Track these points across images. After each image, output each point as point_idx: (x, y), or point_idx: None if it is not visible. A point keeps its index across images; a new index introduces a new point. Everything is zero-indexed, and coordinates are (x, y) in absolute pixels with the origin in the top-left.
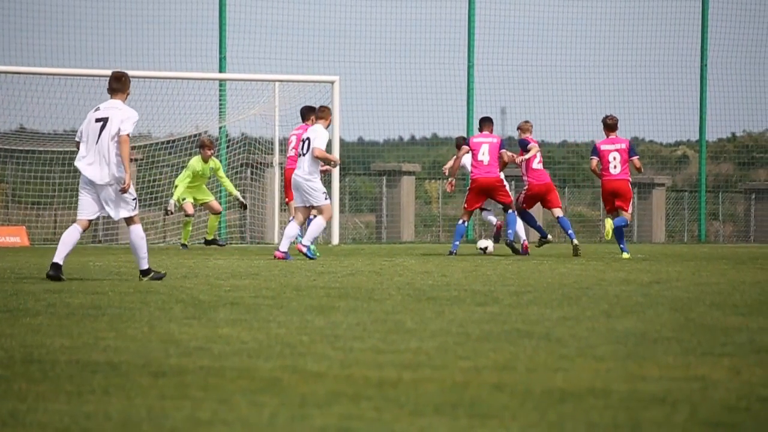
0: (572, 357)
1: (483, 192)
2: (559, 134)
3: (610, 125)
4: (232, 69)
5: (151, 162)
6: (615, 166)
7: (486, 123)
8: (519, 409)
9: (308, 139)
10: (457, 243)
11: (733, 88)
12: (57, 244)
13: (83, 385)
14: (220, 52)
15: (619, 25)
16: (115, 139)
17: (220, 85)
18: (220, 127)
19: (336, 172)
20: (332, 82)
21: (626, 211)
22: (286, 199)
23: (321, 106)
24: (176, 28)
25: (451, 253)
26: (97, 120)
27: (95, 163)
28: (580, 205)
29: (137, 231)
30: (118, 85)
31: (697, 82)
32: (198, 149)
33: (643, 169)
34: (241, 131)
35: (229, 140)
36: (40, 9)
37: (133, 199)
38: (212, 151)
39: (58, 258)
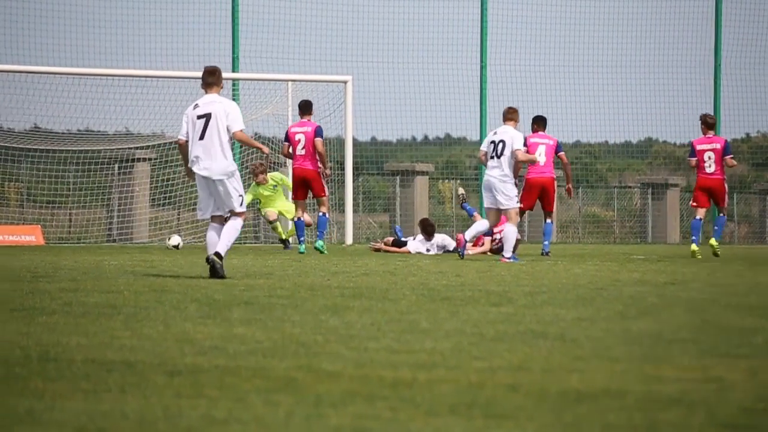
0: (587, 358)
1: (537, 192)
2: (572, 134)
3: (710, 124)
4: (245, 69)
5: (165, 161)
6: (710, 165)
7: (540, 122)
8: (534, 409)
9: (503, 141)
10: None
11: (747, 89)
12: (72, 243)
13: (99, 384)
14: (233, 52)
15: (633, 25)
16: (226, 135)
17: (233, 85)
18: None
19: (349, 172)
20: (345, 82)
21: (723, 207)
22: (294, 197)
23: (510, 108)
24: (189, 27)
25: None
26: (199, 117)
27: (204, 159)
28: (594, 206)
29: (237, 223)
30: (213, 78)
31: (711, 83)
32: (251, 176)
33: (736, 165)
34: (254, 131)
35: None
36: (53, 9)
37: (239, 196)
38: (264, 174)
39: (224, 246)
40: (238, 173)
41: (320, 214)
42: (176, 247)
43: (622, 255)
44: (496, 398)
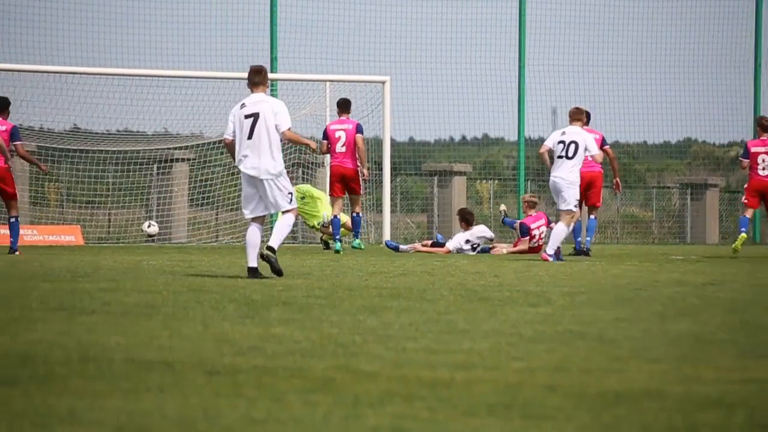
0: (626, 359)
1: (584, 187)
2: (611, 135)
3: (765, 126)
4: (284, 69)
5: (204, 162)
6: (764, 168)
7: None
8: (573, 410)
9: (575, 142)
10: (578, 239)
11: None
12: (111, 243)
13: (139, 384)
14: (272, 53)
15: (673, 24)
16: (274, 134)
17: (272, 86)
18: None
19: (387, 172)
20: (383, 82)
21: None
22: (332, 193)
23: (577, 108)
24: (228, 28)
25: (577, 252)
26: (247, 116)
27: (252, 158)
28: (633, 206)
29: (289, 219)
30: (259, 78)
31: (751, 82)
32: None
33: None
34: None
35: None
36: (92, 9)
37: (289, 193)
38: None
39: (252, 262)
40: (285, 172)
41: (354, 213)
42: (151, 236)
43: (661, 255)
44: (534, 399)
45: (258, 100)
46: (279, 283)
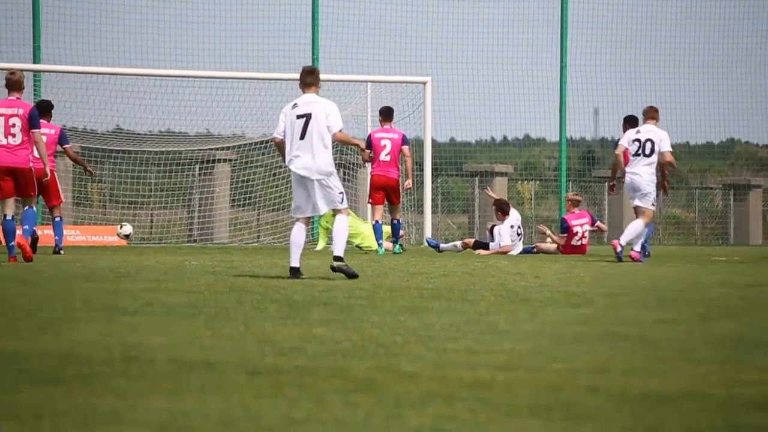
0: (669, 360)
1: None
2: None
3: None
4: (325, 70)
5: (245, 162)
6: None
7: (632, 122)
8: (615, 412)
9: (650, 140)
10: (645, 241)
11: None
12: (154, 243)
13: (181, 383)
14: (313, 53)
15: (714, 24)
16: (326, 134)
17: None
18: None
19: (428, 173)
20: (425, 83)
21: None
22: (370, 201)
23: (651, 107)
24: (269, 29)
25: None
26: (299, 116)
27: (303, 158)
28: (675, 207)
29: (343, 220)
30: (312, 78)
31: None
32: None
33: None
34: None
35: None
36: (135, 11)
37: (340, 193)
38: None
39: (294, 262)
40: (335, 172)
41: (394, 221)
42: (127, 236)
43: (704, 256)
44: (575, 400)
45: (310, 101)
46: (320, 284)
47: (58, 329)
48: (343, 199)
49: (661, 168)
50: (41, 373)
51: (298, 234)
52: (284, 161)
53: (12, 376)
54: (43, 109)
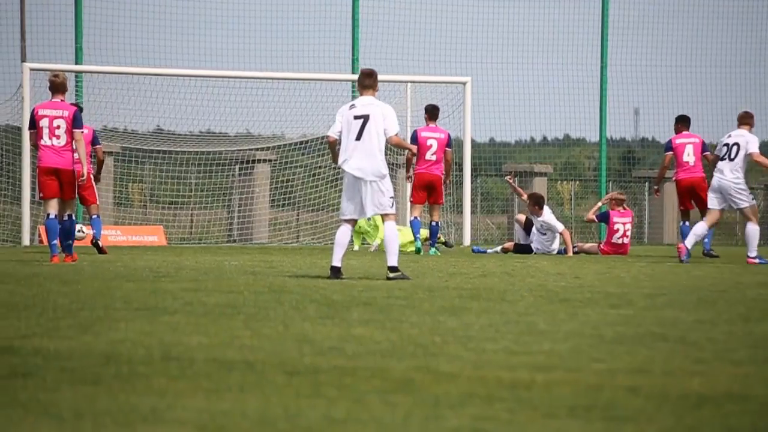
0: (709, 361)
1: (688, 193)
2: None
3: None
4: None
5: (285, 163)
6: None
7: (684, 122)
8: (655, 413)
9: (737, 144)
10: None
11: None
12: (193, 243)
13: (220, 383)
14: (353, 54)
15: (754, 22)
16: (382, 137)
17: (353, 86)
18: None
19: (467, 173)
20: (464, 83)
21: None
22: (413, 200)
23: (746, 112)
24: (310, 30)
25: (681, 257)
26: (356, 117)
27: (358, 159)
28: None
29: (392, 226)
30: (370, 81)
31: None
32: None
33: None
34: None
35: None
36: (176, 12)
37: (390, 197)
38: None
39: (336, 261)
40: (388, 176)
41: (433, 223)
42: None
43: (745, 257)
44: (615, 401)
45: (368, 103)
46: (359, 284)
47: (99, 329)
48: (392, 204)
49: (712, 168)
50: (82, 373)
51: (343, 235)
52: (335, 162)
53: (53, 375)
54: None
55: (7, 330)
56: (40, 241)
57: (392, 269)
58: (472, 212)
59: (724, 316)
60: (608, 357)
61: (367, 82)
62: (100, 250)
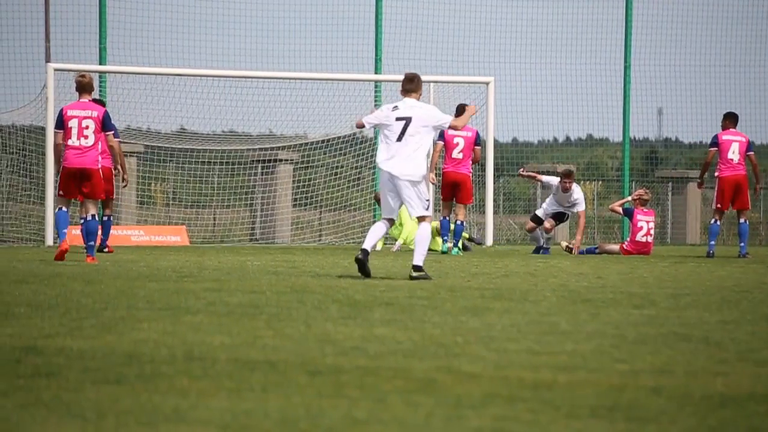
0: (732, 361)
1: (731, 190)
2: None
3: None
4: (388, 70)
5: (307, 162)
6: None
7: (731, 119)
8: (678, 413)
9: None
10: (713, 243)
11: None
12: (216, 243)
13: (242, 383)
14: (376, 54)
15: None
16: (422, 139)
17: (376, 86)
18: (375, 127)
19: (490, 173)
20: (487, 83)
21: None
22: (442, 197)
23: None
24: (333, 30)
25: (708, 254)
26: (398, 119)
27: (396, 158)
28: None
29: (426, 229)
30: (411, 85)
31: None
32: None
33: None
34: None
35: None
36: (199, 12)
37: (426, 200)
38: None
39: (367, 245)
40: (426, 180)
41: (458, 222)
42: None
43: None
44: (638, 401)
45: (411, 105)
46: (381, 284)
47: (122, 328)
48: (428, 207)
49: (755, 172)
50: (105, 372)
51: (378, 227)
52: (378, 161)
53: (76, 375)
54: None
55: (30, 330)
56: None
57: (416, 268)
58: (495, 212)
59: (747, 316)
60: (631, 357)
61: (408, 86)
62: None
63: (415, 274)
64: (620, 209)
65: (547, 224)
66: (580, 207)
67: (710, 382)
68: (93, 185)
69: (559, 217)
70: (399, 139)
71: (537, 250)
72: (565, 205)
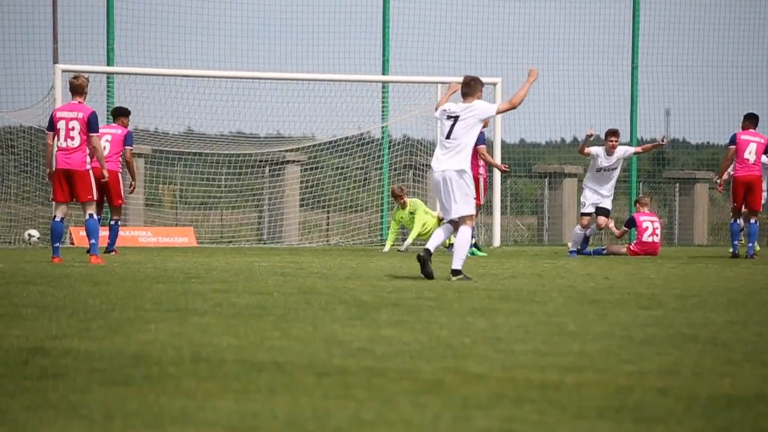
0: (739, 362)
1: (744, 189)
2: (726, 136)
3: None
4: (395, 71)
5: (315, 164)
6: None
7: (752, 120)
8: (685, 414)
9: None
10: (735, 243)
11: None
12: (223, 244)
13: (250, 384)
14: (384, 55)
15: None
16: (470, 137)
17: (383, 87)
18: (383, 128)
19: (497, 174)
20: (494, 84)
21: None
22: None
23: None
24: (340, 31)
25: (733, 255)
26: (449, 117)
27: (444, 156)
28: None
29: (466, 232)
30: (468, 89)
31: None
32: (393, 200)
33: None
34: (403, 133)
35: (391, 142)
36: (207, 13)
37: (473, 198)
38: (404, 198)
39: (430, 245)
40: (471, 177)
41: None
42: (31, 236)
43: None
44: (645, 402)
45: (465, 107)
46: (389, 285)
47: (129, 330)
48: (472, 205)
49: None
50: (112, 374)
51: (446, 228)
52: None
53: (83, 376)
54: (121, 113)
55: (38, 331)
56: (71, 242)
57: (454, 272)
58: (502, 213)
59: (755, 317)
60: (638, 358)
61: (464, 90)
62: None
63: (453, 278)
64: (622, 229)
65: (601, 221)
66: (630, 151)
67: (717, 383)
68: (80, 187)
69: (603, 212)
70: (448, 136)
71: (580, 251)
72: (612, 168)
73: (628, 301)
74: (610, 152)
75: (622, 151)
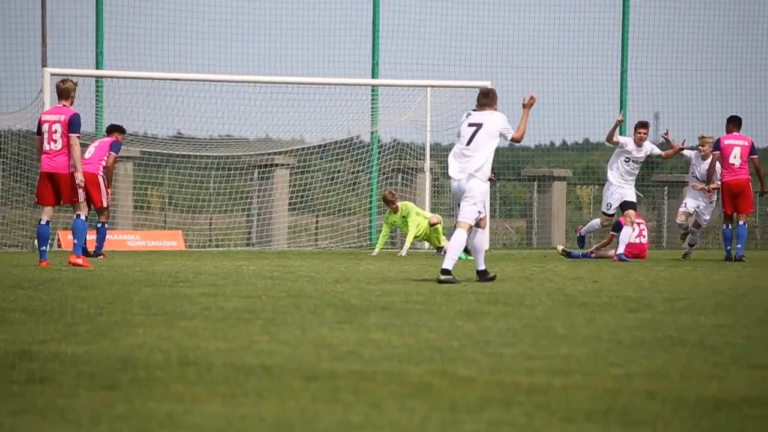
0: (727, 365)
1: (732, 195)
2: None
3: None
4: (385, 75)
5: (304, 167)
6: None
7: (735, 123)
8: (672, 417)
9: None
10: (729, 248)
11: None
12: (212, 247)
13: (237, 388)
14: (373, 58)
15: None
16: (489, 146)
17: (373, 91)
18: (372, 133)
19: None
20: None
21: None
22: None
23: None
24: (330, 35)
25: (727, 258)
26: (470, 125)
27: (462, 161)
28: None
29: (460, 235)
30: (486, 100)
31: None
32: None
33: None
34: (393, 137)
35: (381, 145)
36: (196, 17)
37: (473, 203)
38: (395, 204)
39: (479, 265)
40: (486, 185)
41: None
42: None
43: (764, 261)
44: (633, 405)
45: (484, 114)
46: (377, 289)
47: (117, 334)
48: (474, 216)
49: (758, 172)
50: (100, 378)
51: (478, 240)
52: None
53: (71, 380)
54: (116, 129)
55: (24, 335)
56: (59, 246)
57: (444, 272)
58: (491, 216)
59: (742, 320)
60: (626, 361)
61: (482, 101)
62: (91, 255)
63: (442, 277)
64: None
65: (630, 214)
66: (657, 151)
67: (705, 386)
68: (64, 190)
69: (631, 205)
70: (468, 143)
71: (579, 241)
72: (640, 160)
73: (617, 305)
74: (639, 144)
75: (650, 147)
